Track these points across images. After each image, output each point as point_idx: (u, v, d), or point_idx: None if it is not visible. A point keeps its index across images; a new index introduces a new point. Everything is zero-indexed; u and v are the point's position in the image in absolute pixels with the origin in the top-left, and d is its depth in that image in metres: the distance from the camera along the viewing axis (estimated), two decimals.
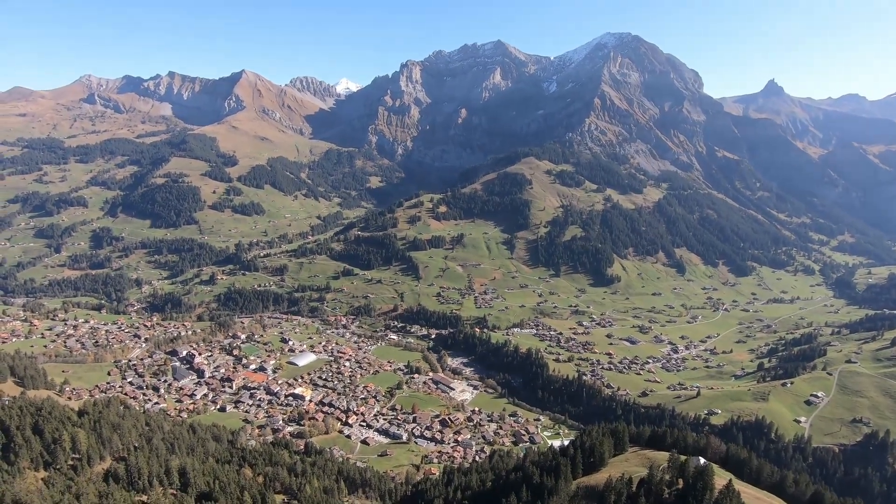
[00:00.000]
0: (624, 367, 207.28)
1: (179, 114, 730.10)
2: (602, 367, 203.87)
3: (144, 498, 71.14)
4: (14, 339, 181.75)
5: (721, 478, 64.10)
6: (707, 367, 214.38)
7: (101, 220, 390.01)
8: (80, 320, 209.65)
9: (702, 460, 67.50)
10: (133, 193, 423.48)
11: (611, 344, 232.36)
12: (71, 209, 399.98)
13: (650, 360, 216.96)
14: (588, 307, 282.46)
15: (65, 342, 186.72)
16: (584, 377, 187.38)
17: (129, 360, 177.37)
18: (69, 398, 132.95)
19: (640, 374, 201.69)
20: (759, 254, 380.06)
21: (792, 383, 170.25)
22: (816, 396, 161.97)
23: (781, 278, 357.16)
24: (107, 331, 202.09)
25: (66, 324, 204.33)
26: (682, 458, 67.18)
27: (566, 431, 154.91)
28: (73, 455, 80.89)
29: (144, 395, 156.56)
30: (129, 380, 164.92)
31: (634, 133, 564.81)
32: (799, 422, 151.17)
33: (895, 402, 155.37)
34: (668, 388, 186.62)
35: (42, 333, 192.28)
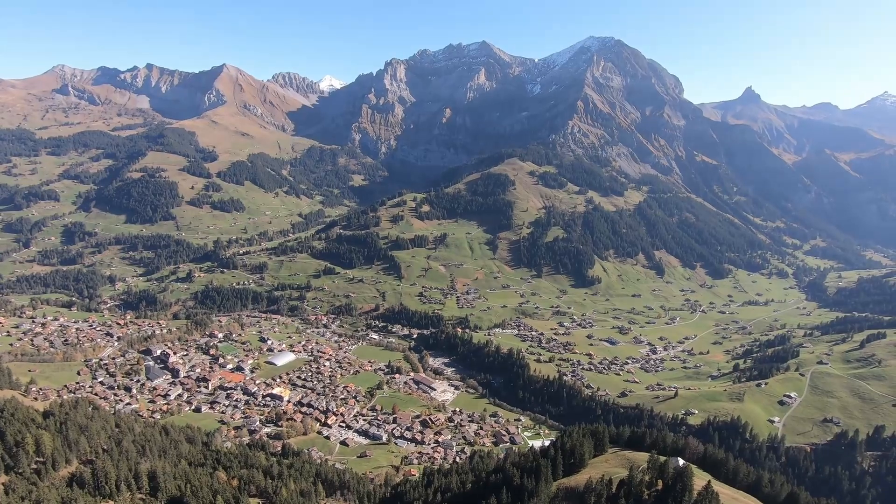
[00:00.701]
0: (604, 368, 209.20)
1: (157, 107, 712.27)
2: (582, 368, 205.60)
3: (111, 503, 68.45)
4: None
5: (700, 478, 64.47)
6: (685, 367, 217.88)
7: (73, 214, 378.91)
8: (48, 318, 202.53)
9: (681, 461, 67.84)
10: (107, 188, 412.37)
11: (591, 345, 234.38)
12: (41, 203, 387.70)
13: (629, 361, 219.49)
14: (569, 308, 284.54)
15: (32, 340, 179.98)
16: (565, 377, 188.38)
17: (101, 360, 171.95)
18: (35, 399, 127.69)
19: (619, 375, 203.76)
20: (736, 257, 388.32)
21: (766, 384, 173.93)
22: (789, 397, 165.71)
23: (756, 281, 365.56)
24: (77, 329, 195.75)
25: (33, 321, 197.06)
26: (662, 458, 67.40)
27: (547, 432, 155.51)
28: (37, 458, 77.42)
29: (116, 395, 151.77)
30: (99, 379, 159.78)
31: (616, 136, 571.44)
32: (773, 422, 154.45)
33: (864, 402, 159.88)
34: (647, 388, 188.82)
35: (8, 331, 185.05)
